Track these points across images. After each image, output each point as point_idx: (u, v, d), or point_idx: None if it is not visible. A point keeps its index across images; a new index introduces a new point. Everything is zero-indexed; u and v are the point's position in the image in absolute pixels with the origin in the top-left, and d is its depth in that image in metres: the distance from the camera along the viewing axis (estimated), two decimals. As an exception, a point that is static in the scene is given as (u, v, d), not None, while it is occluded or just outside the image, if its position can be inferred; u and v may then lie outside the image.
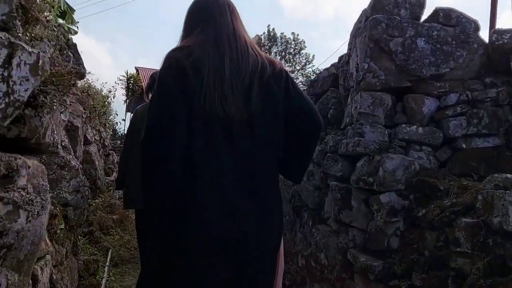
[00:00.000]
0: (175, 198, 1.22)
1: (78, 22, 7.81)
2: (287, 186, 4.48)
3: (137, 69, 19.53)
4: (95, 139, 5.98)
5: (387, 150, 3.17)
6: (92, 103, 6.50)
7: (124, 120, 19.36)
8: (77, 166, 3.06)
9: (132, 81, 16.51)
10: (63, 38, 3.18)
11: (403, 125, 3.31)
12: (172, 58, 1.28)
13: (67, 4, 9.46)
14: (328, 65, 4.94)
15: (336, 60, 4.67)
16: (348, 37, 4.25)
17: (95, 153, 5.38)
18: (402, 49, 3.42)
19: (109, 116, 10.69)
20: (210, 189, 1.23)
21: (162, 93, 1.26)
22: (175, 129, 1.21)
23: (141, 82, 17.66)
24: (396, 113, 3.47)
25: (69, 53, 3.56)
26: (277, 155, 1.38)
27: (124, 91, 16.49)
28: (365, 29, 3.59)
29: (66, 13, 7.23)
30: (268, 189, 1.35)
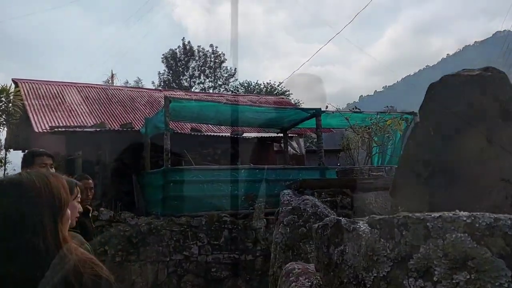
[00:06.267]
0: None
1: None
2: None
3: (15, 81, 13.38)
4: None
5: None
6: None
7: (2, 162, 12.78)
8: None
9: (4, 98, 10.64)
10: None
11: None
12: None
13: None
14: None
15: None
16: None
17: None
18: None
19: None
20: None
21: None
22: None
23: (23, 100, 11.77)
24: None
25: None
26: None
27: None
28: None
29: None
30: None
